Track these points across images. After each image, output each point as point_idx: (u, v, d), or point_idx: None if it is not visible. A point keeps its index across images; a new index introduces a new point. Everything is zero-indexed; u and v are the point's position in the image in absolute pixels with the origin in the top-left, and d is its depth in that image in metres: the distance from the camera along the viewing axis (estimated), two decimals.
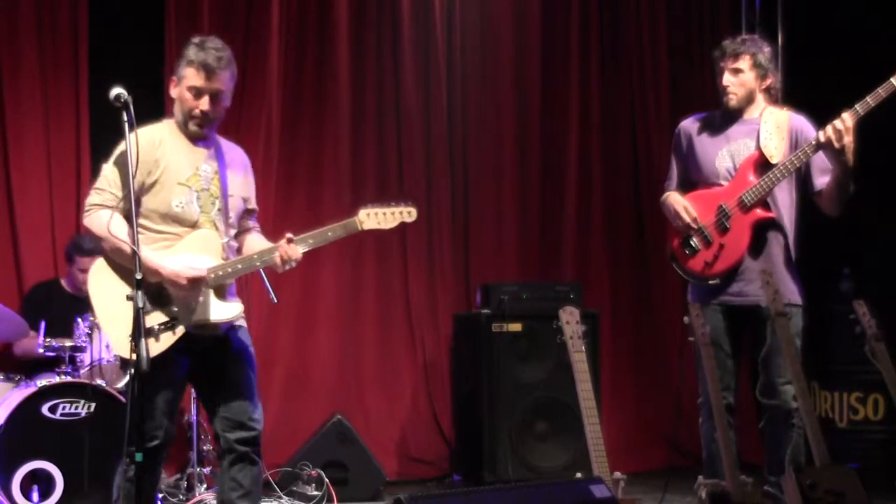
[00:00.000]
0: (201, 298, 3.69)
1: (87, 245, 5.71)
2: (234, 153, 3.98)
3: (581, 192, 7.22)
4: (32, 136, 6.04)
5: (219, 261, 3.74)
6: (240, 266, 3.75)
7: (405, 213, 3.87)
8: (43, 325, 5.22)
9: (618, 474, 3.86)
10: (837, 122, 4.20)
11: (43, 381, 4.97)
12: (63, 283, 5.84)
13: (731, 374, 4.44)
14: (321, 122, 6.64)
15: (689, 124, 4.62)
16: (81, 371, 5.18)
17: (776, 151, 4.35)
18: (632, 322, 7.28)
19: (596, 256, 7.23)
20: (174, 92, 3.84)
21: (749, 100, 4.45)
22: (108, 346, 5.21)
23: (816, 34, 7.11)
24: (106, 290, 3.67)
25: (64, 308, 5.58)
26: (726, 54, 4.46)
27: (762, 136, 4.38)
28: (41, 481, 4.85)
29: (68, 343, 5.19)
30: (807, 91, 7.16)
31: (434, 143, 6.92)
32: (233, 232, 3.89)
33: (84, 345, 5.19)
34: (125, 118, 3.29)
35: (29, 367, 5.55)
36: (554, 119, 7.21)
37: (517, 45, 7.15)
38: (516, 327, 6.17)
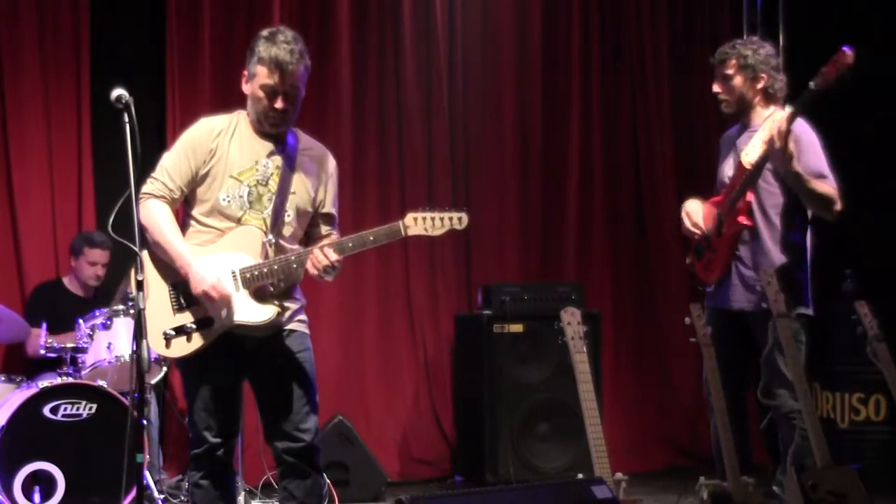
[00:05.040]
0: (235, 300, 3.55)
1: (98, 238, 5.71)
2: (314, 152, 3.76)
3: (582, 192, 7.22)
4: (34, 137, 6.04)
5: (257, 260, 3.56)
6: (276, 267, 3.53)
7: (455, 220, 3.60)
8: (45, 325, 5.22)
9: (619, 475, 3.86)
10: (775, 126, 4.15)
11: (44, 382, 4.96)
12: (66, 282, 5.84)
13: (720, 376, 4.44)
14: (322, 122, 6.63)
15: (724, 135, 4.62)
16: (83, 372, 5.17)
17: (745, 154, 4.31)
18: (633, 323, 7.28)
19: (597, 257, 7.23)
20: (246, 88, 3.61)
21: (744, 104, 4.38)
22: (108, 347, 5.20)
23: (818, 35, 7.10)
24: (147, 284, 3.52)
25: (67, 309, 5.58)
26: (716, 61, 4.41)
27: (750, 141, 4.32)
28: (43, 482, 4.84)
29: (70, 344, 5.18)
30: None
31: (435, 144, 6.92)
32: (290, 232, 3.65)
33: (85, 346, 5.19)
34: (126, 119, 3.26)
35: (30, 367, 5.56)
36: (555, 119, 7.21)
37: (518, 46, 7.15)
38: (518, 328, 6.18)
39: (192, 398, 3.68)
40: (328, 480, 5.44)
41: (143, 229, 3.56)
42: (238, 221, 3.60)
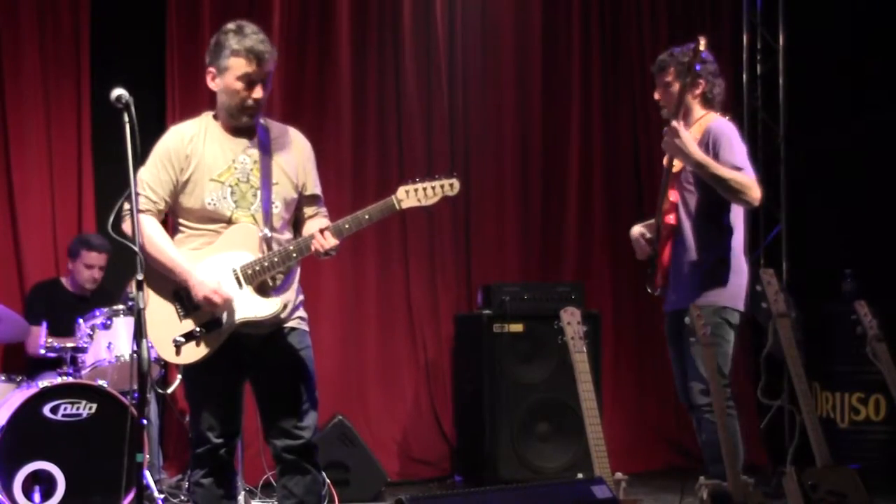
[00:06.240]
0: (239, 297, 3.56)
1: (96, 241, 5.70)
2: (286, 138, 3.75)
3: (582, 191, 7.22)
4: (34, 137, 6.04)
5: (256, 255, 3.57)
6: (276, 259, 3.55)
7: (447, 187, 3.62)
8: (45, 325, 5.22)
9: (619, 475, 3.86)
10: (668, 127, 4.33)
11: (44, 382, 4.96)
12: (64, 282, 5.84)
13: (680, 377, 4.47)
14: (322, 121, 6.64)
15: None
16: (83, 372, 5.17)
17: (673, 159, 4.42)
18: (633, 322, 7.27)
19: (597, 257, 7.23)
20: (215, 84, 3.64)
21: (683, 110, 4.43)
22: (108, 347, 5.20)
23: (818, 34, 7.11)
24: (148, 297, 3.53)
25: (65, 308, 5.58)
26: (656, 69, 4.56)
27: None
28: (43, 482, 4.84)
29: (70, 344, 5.18)
30: (808, 91, 7.18)
31: (435, 144, 6.92)
32: (281, 223, 3.68)
33: (86, 345, 5.19)
34: (126, 119, 3.25)
35: (30, 367, 5.56)
36: (555, 119, 7.21)
37: (518, 45, 7.15)
38: (517, 328, 6.17)
39: (195, 399, 3.69)
40: (328, 480, 5.46)
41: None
42: (229, 221, 3.61)
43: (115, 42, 6.32)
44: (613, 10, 7.37)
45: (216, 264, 3.57)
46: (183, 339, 3.53)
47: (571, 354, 4.00)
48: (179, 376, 3.54)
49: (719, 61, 4.60)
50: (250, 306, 3.57)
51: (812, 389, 6.27)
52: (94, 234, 5.84)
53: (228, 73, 3.60)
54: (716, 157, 4.28)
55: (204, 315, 3.56)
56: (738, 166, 4.27)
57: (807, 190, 7.20)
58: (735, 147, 4.32)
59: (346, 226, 3.57)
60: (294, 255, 3.58)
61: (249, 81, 3.58)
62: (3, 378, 5.24)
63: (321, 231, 3.54)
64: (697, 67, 4.34)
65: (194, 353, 3.55)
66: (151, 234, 3.56)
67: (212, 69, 3.65)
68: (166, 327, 3.54)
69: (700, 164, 4.26)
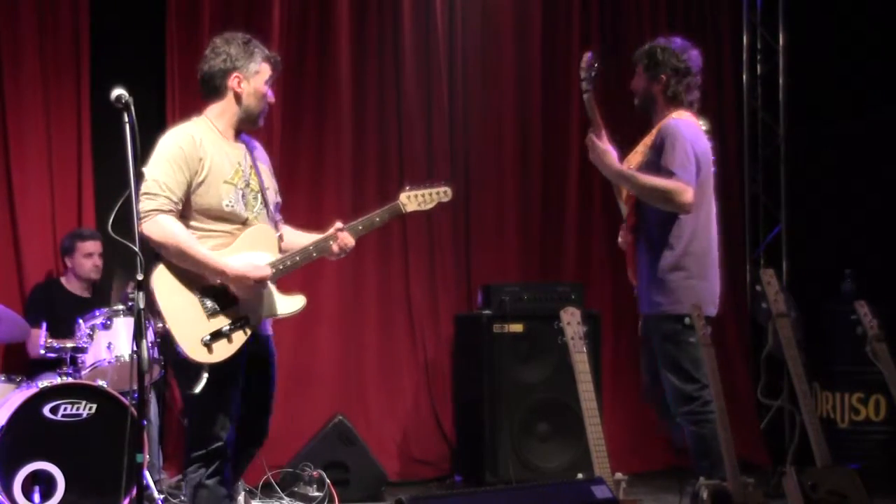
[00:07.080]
0: (266, 294, 3.68)
1: (86, 232, 5.74)
2: (258, 145, 3.93)
3: (582, 191, 7.21)
4: (34, 137, 6.04)
5: (277, 255, 3.72)
6: (298, 258, 3.74)
7: (441, 194, 3.97)
8: (45, 325, 5.22)
9: (619, 475, 3.86)
10: (586, 139, 4.33)
11: (44, 382, 4.96)
12: (63, 283, 5.84)
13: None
14: (322, 121, 6.64)
15: None
16: (83, 372, 5.17)
17: (628, 162, 4.39)
18: (633, 322, 7.20)
19: (597, 257, 7.22)
20: (242, 87, 3.73)
21: (647, 103, 4.43)
22: (108, 347, 5.20)
23: (818, 34, 7.12)
24: (172, 296, 3.56)
25: (65, 308, 5.58)
26: (633, 60, 4.50)
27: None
28: (42, 482, 4.84)
29: (69, 344, 5.18)
30: (808, 91, 7.18)
31: (435, 144, 6.92)
32: (274, 224, 3.86)
33: (85, 346, 5.19)
34: (126, 119, 3.26)
35: (30, 367, 5.56)
36: (555, 119, 7.21)
37: (518, 45, 7.14)
38: (517, 328, 6.17)
39: (219, 398, 3.65)
40: (328, 480, 5.47)
41: (158, 246, 3.60)
42: (244, 223, 3.70)
43: (115, 42, 6.31)
44: (613, 10, 7.37)
45: (243, 262, 3.65)
46: (209, 338, 3.56)
47: (571, 354, 4.00)
48: (206, 375, 3.54)
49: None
50: (279, 303, 3.72)
51: (812, 389, 6.27)
52: (80, 228, 5.86)
53: (258, 78, 3.74)
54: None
55: (232, 312, 3.62)
56: (671, 171, 4.15)
57: (807, 190, 7.20)
58: (677, 149, 4.17)
59: (360, 227, 3.82)
60: (314, 254, 3.77)
61: (272, 85, 3.78)
62: (3, 378, 5.24)
63: (339, 231, 3.75)
64: (584, 83, 4.31)
65: (227, 349, 3.59)
66: (180, 233, 3.59)
67: (238, 74, 3.72)
68: (194, 327, 3.57)
69: (619, 176, 4.24)
